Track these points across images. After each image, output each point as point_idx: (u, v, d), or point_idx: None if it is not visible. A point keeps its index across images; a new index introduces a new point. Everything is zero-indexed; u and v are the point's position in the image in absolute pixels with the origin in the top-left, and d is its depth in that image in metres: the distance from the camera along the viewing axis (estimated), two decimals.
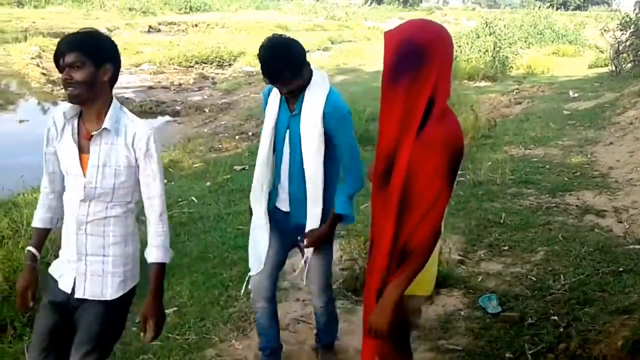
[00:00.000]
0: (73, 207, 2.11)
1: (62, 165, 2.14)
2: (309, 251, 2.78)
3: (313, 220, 2.70)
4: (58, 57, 2.00)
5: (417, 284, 2.01)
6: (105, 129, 2.05)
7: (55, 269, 2.24)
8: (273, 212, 2.80)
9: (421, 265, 1.95)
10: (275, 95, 2.70)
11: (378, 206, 2.04)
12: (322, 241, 2.75)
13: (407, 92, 1.84)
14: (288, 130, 2.67)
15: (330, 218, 2.71)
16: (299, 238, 2.78)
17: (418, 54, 1.82)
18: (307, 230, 2.72)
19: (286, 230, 2.82)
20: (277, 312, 2.99)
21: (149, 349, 3.35)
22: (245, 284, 2.99)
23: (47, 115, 11.80)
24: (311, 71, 2.61)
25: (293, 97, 2.61)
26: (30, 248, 2.22)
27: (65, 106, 2.12)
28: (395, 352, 2.19)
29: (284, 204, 2.79)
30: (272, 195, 2.81)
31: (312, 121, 2.57)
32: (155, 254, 2.19)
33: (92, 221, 2.11)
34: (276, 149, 2.75)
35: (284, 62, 2.46)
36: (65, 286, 2.18)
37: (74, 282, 2.16)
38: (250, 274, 2.89)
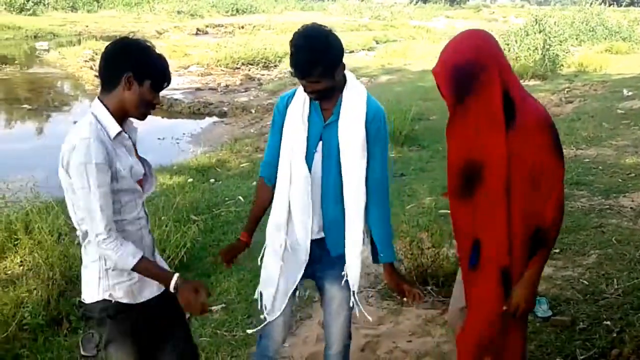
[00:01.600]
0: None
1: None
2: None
3: (353, 247, 2.33)
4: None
5: None
6: None
7: None
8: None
9: (554, 242, 2.10)
10: (302, 102, 2.30)
11: (463, 217, 2.13)
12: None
13: (477, 102, 1.94)
14: (321, 143, 2.29)
15: (388, 270, 2.38)
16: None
17: (471, 74, 1.92)
18: (348, 258, 2.35)
19: (308, 261, 2.43)
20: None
21: (198, 344, 3.42)
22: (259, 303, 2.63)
23: None
24: (344, 74, 2.28)
25: (317, 99, 2.25)
26: None
27: None
28: (521, 341, 2.19)
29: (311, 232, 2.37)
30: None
31: (354, 128, 2.23)
32: None
33: None
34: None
35: (319, 56, 2.10)
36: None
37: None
38: (263, 316, 2.53)
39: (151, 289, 2.16)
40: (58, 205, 4.65)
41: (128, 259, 1.99)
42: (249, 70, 16.72)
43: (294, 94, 2.35)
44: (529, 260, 2.05)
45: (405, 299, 2.48)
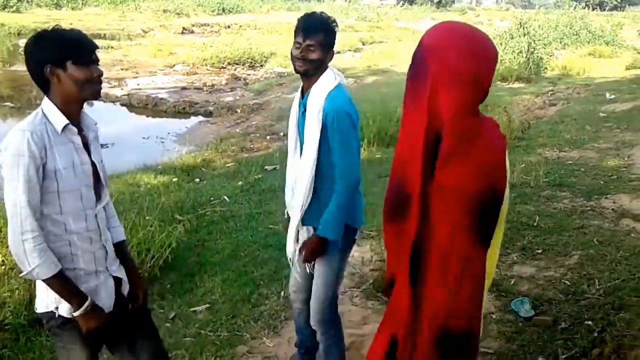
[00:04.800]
0: None
1: None
2: (308, 266, 2.70)
3: (294, 210, 2.64)
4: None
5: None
6: None
7: None
8: None
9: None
10: (295, 102, 2.69)
11: (393, 244, 1.70)
12: (330, 249, 2.61)
13: (410, 104, 1.56)
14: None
15: (314, 241, 2.58)
16: (299, 248, 2.68)
17: (418, 60, 1.54)
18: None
19: None
20: None
21: (181, 345, 3.41)
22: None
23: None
24: (327, 64, 2.56)
25: (303, 67, 2.49)
26: None
27: None
28: None
29: None
30: None
31: (312, 116, 2.50)
32: None
33: None
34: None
35: (324, 24, 2.48)
36: None
37: None
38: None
39: (102, 304, 2.09)
40: None
41: (50, 267, 1.88)
42: (235, 69, 16.68)
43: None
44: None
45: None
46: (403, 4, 44.74)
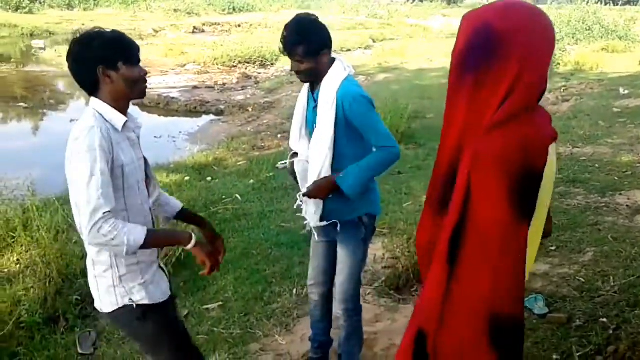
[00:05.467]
0: None
1: None
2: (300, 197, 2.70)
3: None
4: None
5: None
6: None
7: None
8: None
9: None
10: (303, 92, 2.71)
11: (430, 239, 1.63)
12: (353, 238, 2.67)
13: (472, 91, 1.47)
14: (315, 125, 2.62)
15: (331, 180, 2.53)
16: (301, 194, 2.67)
17: (491, 44, 1.42)
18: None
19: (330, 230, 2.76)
20: (332, 308, 2.93)
21: (195, 342, 3.42)
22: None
23: None
24: (332, 60, 2.55)
25: (303, 79, 2.58)
26: None
27: None
28: None
29: None
30: None
31: (326, 109, 2.50)
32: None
33: None
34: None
35: (300, 37, 2.44)
36: None
37: None
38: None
39: (164, 290, 2.17)
40: (57, 202, 4.65)
41: (139, 234, 1.87)
42: (246, 68, 16.69)
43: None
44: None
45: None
46: (413, 1, 44.56)
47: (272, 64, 17.32)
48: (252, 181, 6.45)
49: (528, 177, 1.42)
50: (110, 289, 2.05)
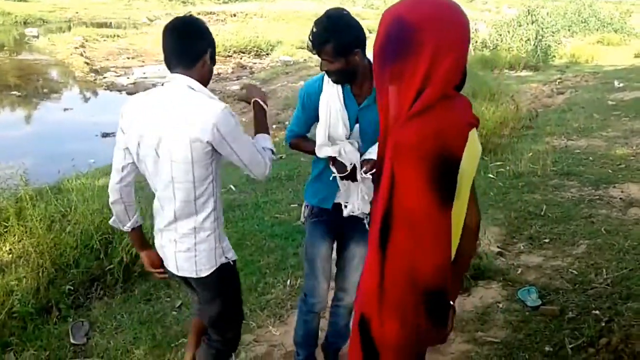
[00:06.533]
0: None
1: None
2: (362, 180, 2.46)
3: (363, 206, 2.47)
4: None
5: None
6: None
7: None
8: (326, 210, 2.61)
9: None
10: (336, 87, 2.44)
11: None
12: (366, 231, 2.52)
13: (391, 83, 1.54)
14: (358, 125, 2.43)
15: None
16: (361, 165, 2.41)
17: (404, 35, 1.49)
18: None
19: (336, 225, 2.63)
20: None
21: (188, 332, 3.42)
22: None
23: (89, 103, 12.11)
24: (369, 61, 2.31)
25: (336, 81, 2.38)
26: None
27: None
28: None
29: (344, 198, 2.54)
30: (330, 189, 2.56)
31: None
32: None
33: None
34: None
35: (330, 34, 2.24)
36: None
37: None
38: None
39: None
40: (50, 192, 4.62)
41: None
42: (241, 58, 16.65)
43: (321, 78, 2.48)
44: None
45: None
46: None
47: (267, 54, 17.28)
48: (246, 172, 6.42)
49: (445, 163, 1.49)
50: (211, 252, 2.23)
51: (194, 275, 2.26)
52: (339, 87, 2.43)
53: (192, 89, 2.10)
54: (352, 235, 2.61)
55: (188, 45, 2.13)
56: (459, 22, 1.51)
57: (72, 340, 3.40)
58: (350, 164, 2.40)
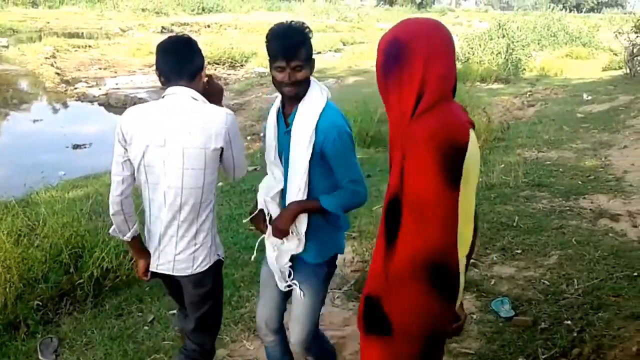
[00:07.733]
0: None
1: None
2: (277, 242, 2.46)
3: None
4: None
5: None
6: None
7: None
8: None
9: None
10: (274, 110, 2.39)
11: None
12: (315, 276, 2.43)
13: (394, 94, 1.75)
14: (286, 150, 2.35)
15: (306, 203, 2.31)
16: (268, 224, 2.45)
17: (399, 52, 1.73)
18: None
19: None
20: (288, 340, 2.67)
21: (160, 348, 3.36)
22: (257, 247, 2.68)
23: (60, 114, 11.92)
24: (310, 80, 2.29)
25: (296, 93, 2.24)
26: None
27: None
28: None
29: None
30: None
31: (301, 138, 2.22)
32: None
33: None
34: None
35: (302, 38, 2.17)
36: None
37: None
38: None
39: None
40: (17, 205, 4.51)
41: None
42: (215, 69, 16.58)
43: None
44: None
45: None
46: (383, 5, 44.87)
47: (241, 65, 17.26)
48: (220, 184, 6.38)
49: (454, 150, 1.68)
50: (208, 249, 2.36)
51: (190, 272, 2.34)
52: (275, 108, 2.38)
53: (195, 99, 2.25)
54: (304, 275, 2.46)
55: (189, 62, 2.30)
56: (443, 34, 1.77)
57: (40, 357, 3.32)
58: (268, 214, 2.48)
